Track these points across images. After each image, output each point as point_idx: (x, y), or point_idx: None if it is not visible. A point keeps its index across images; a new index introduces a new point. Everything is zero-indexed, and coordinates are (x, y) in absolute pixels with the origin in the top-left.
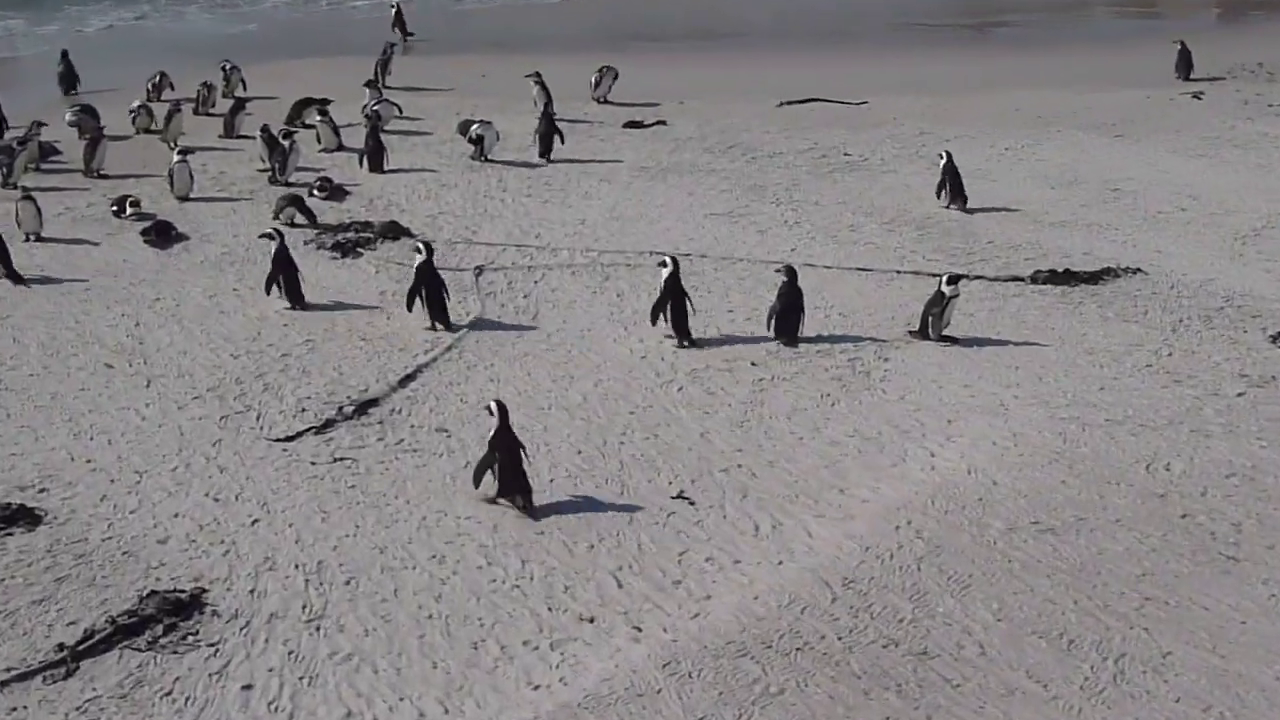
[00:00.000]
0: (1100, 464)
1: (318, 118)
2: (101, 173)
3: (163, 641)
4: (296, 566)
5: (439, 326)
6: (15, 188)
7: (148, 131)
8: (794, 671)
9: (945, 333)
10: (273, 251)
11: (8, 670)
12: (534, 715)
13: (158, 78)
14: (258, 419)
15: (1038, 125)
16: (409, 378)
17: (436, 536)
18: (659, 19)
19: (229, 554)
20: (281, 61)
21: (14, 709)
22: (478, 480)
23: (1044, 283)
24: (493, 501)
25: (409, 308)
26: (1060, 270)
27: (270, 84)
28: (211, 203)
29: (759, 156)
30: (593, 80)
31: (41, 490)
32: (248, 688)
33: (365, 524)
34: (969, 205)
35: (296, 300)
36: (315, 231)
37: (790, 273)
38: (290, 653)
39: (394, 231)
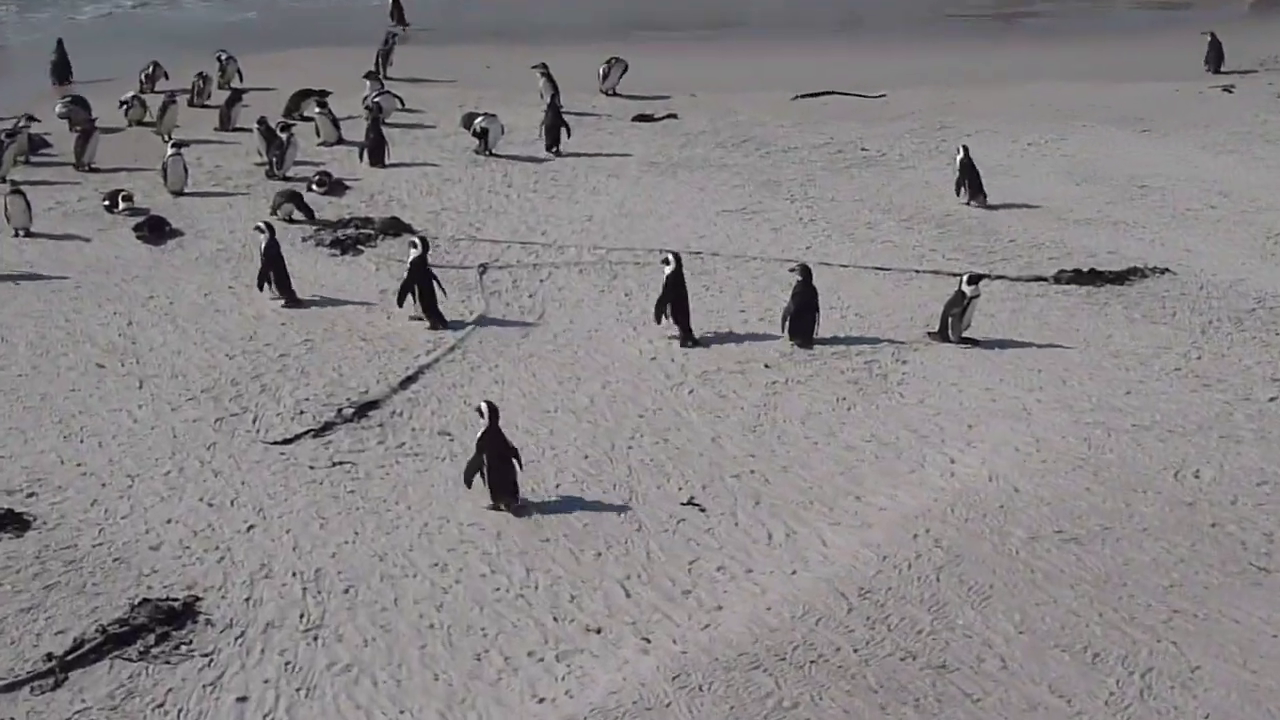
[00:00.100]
0: (1126, 471)
1: (316, 110)
2: (93, 166)
3: (155, 651)
4: (294, 574)
5: (433, 323)
6: (4, 181)
7: (141, 124)
8: (808, 685)
9: (966, 334)
10: (263, 246)
11: None
12: None
13: (151, 68)
14: (254, 421)
15: (1062, 119)
16: (410, 379)
17: (438, 543)
18: (670, 8)
19: (224, 561)
20: (279, 51)
21: None
22: (468, 482)
23: (1068, 283)
24: (496, 508)
25: (400, 303)
26: (1085, 270)
27: (268, 75)
28: (206, 198)
29: (773, 151)
30: (601, 71)
31: (30, 494)
32: (243, 700)
33: (365, 530)
34: (990, 202)
35: (288, 296)
36: (314, 228)
37: (805, 272)
38: (287, 663)
39: (395, 228)
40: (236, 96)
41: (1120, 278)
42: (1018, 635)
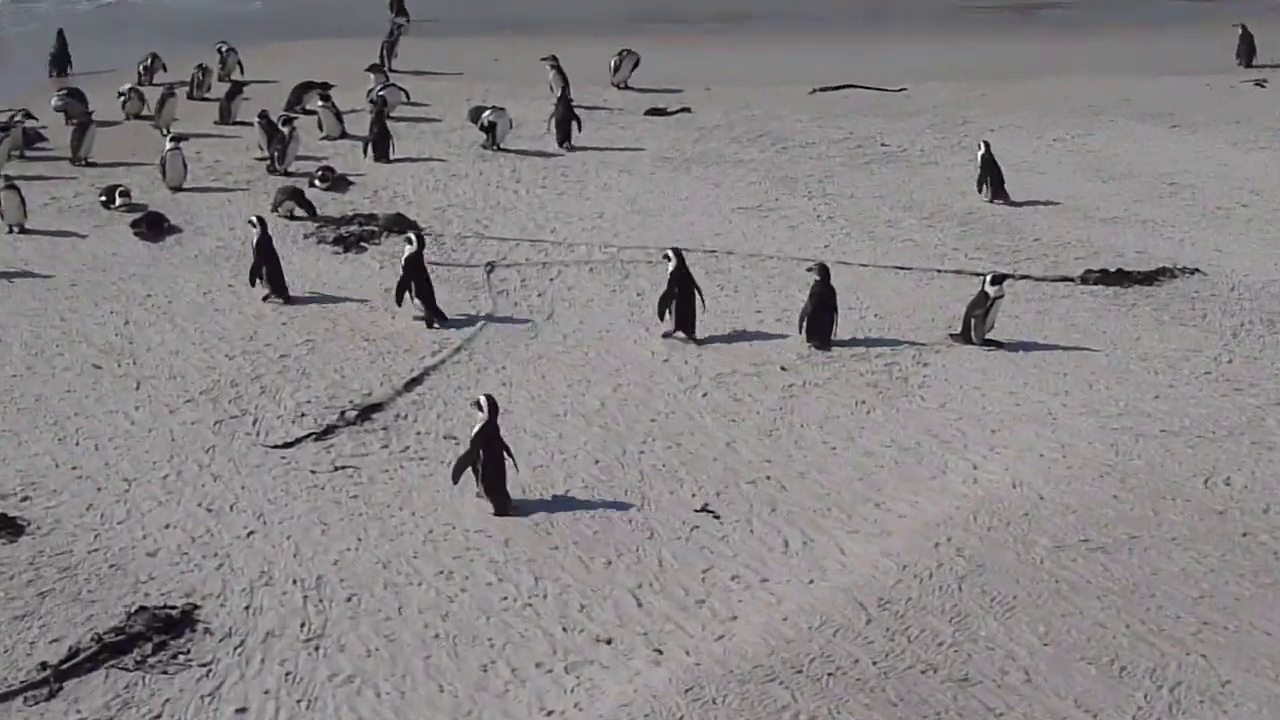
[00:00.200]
0: (1155, 478)
1: (319, 103)
2: (89, 161)
3: (152, 661)
4: (295, 582)
5: (429, 320)
6: None
7: (139, 117)
8: (825, 698)
9: (989, 336)
10: (255, 240)
11: None
12: None
13: (149, 60)
14: (254, 424)
15: (1088, 114)
16: (415, 381)
17: (444, 551)
18: None
19: (223, 568)
20: (281, 43)
21: None
22: (456, 477)
23: (1095, 283)
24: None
25: (398, 301)
26: (1112, 270)
27: (269, 67)
28: (206, 193)
29: (790, 146)
30: (612, 64)
31: (24, 499)
32: (242, 711)
33: (368, 537)
34: (1014, 199)
35: (280, 292)
36: (316, 225)
37: (823, 271)
38: (287, 674)
39: (399, 224)
40: (237, 89)
41: (1149, 278)
42: (1042, 647)
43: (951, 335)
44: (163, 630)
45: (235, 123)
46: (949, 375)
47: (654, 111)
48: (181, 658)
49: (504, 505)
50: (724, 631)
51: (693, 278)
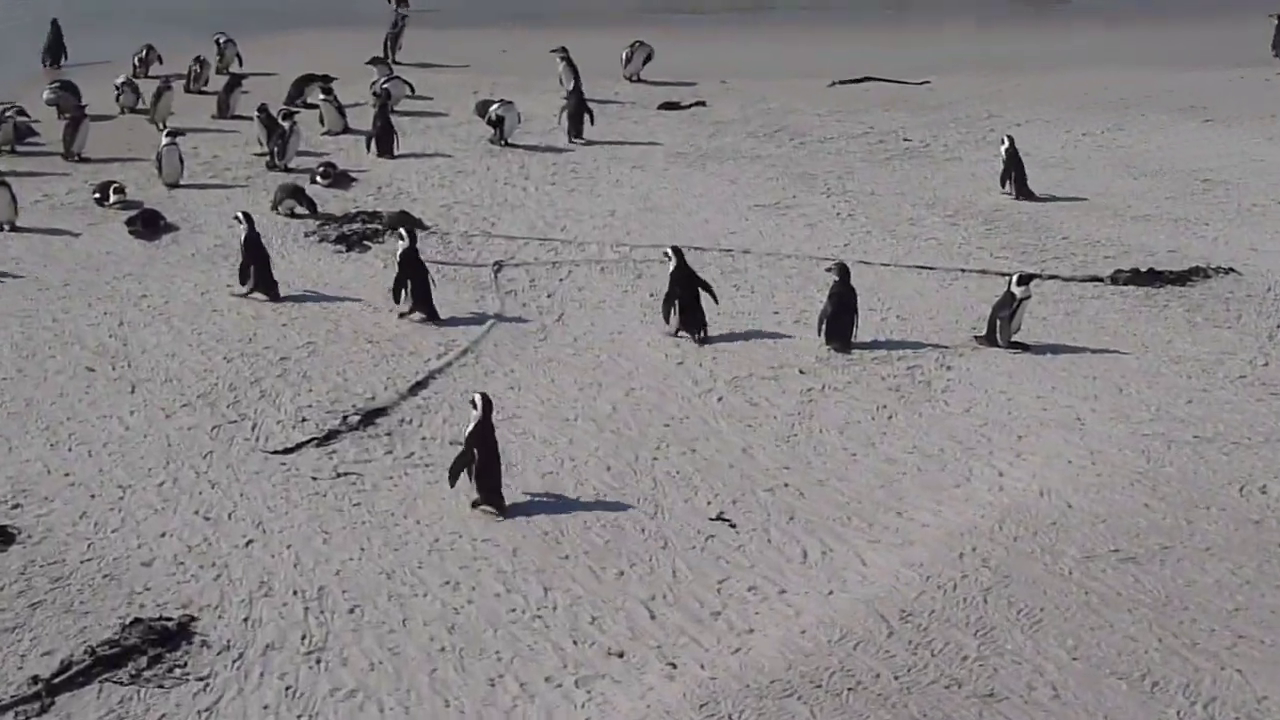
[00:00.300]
0: (1188, 486)
1: (321, 96)
2: (83, 156)
3: (147, 674)
4: (295, 593)
5: (420, 314)
6: None
7: (133, 111)
8: (845, 714)
9: (1015, 338)
10: (242, 237)
11: None
12: None
13: (145, 51)
14: (253, 429)
15: (1119, 108)
16: (420, 384)
17: (450, 560)
18: None
19: (221, 578)
20: (282, 34)
21: None
22: (453, 479)
23: (1125, 283)
24: (476, 506)
25: (395, 299)
26: (1144, 270)
27: (269, 59)
28: (204, 190)
29: (808, 142)
30: (624, 56)
31: (15, 506)
32: None
33: (371, 546)
34: (1042, 196)
35: (269, 290)
36: (317, 223)
37: (843, 271)
38: (288, 688)
39: (404, 222)
40: (236, 82)
41: (1181, 278)
42: (1071, 662)
43: (976, 337)
44: (158, 643)
45: (234, 117)
46: (974, 379)
47: (667, 105)
48: (178, 671)
49: (501, 506)
50: (740, 645)
51: (696, 275)
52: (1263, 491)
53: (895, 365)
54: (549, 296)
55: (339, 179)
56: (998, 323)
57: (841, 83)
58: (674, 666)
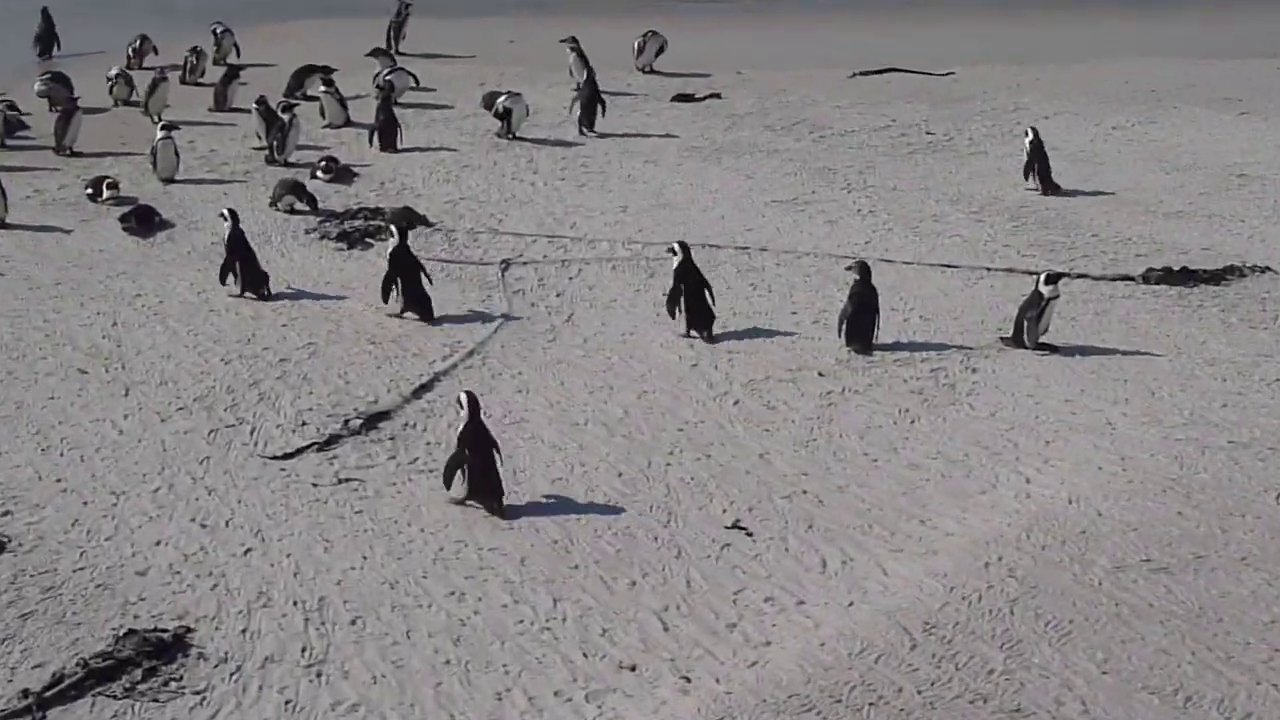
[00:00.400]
0: (1222, 493)
1: (322, 89)
2: (75, 150)
3: (142, 688)
4: (295, 603)
5: (422, 319)
6: None
7: (127, 103)
8: None
9: (1043, 340)
10: (226, 235)
11: None
12: None
13: (139, 41)
14: (252, 433)
15: (1150, 100)
16: (425, 387)
17: (455, 570)
18: None
19: (218, 588)
20: (281, 23)
21: None
22: (448, 481)
23: (1157, 282)
24: (462, 503)
25: (384, 298)
26: (1176, 268)
27: (268, 49)
28: (200, 185)
29: (828, 135)
30: (636, 46)
31: (5, 513)
32: None
33: (374, 555)
34: (1071, 191)
35: (256, 289)
36: (318, 219)
37: (864, 269)
38: (287, 702)
39: (408, 219)
40: (233, 73)
41: (1216, 277)
42: (1101, 676)
43: (1002, 339)
44: (153, 655)
45: (231, 110)
46: (1000, 382)
47: (681, 97)
48: (174, 684)
49: (500, 506)
50: (757, 658)
51: (700, 272)
52: None
53: (918, 367)
54: (558, 296)
55: (340, 174)
56: (1025, 323)
57: (862, 74)
58: (688, 680)
